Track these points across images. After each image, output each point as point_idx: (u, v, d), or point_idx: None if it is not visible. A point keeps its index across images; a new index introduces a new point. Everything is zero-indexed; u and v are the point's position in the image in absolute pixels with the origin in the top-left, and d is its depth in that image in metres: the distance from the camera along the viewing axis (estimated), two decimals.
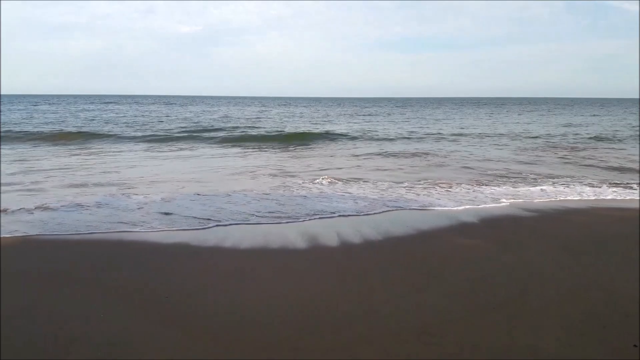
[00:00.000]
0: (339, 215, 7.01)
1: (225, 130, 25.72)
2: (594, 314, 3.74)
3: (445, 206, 7.71)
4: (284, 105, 76.87)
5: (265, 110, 52.81)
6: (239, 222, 6.58)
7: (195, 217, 6.80)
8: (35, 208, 7.14)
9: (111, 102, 73.79)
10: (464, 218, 6.91)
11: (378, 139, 21.49)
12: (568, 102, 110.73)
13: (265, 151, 17.10)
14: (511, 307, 3.87)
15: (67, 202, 7.59)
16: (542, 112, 55.05)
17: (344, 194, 8.66)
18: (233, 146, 18.85)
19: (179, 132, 23.97)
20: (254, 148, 18.13)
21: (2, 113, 37.08)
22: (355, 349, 3.24)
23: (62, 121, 31.01)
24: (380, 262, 5.00)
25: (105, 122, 30.28)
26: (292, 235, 5.92)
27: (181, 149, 17.52)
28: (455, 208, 7.59)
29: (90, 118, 34.73)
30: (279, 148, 18.08)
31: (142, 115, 38.97)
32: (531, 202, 8.07)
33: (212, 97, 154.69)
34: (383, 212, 7.29)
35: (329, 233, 6.01)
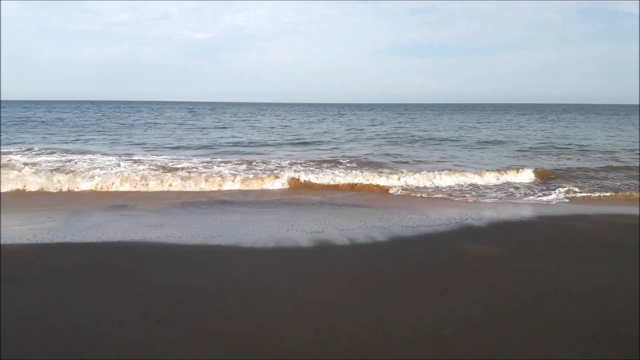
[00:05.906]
0: None
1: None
2: (611, 323, 3.71)
3: None
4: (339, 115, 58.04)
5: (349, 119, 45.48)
6: None
7: None
8: None
9: (142, 108, 66.52)
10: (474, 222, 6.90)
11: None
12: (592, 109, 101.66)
13: None
14: (527, 315, 3.84)
15: None
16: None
17: None
18: None
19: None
20: None
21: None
22: (370, 356, 3.22)
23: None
24: (393, 266, 4.99)
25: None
26: None
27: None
28: None
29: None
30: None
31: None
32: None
33: (230, 104, 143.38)
34: None
35: None
